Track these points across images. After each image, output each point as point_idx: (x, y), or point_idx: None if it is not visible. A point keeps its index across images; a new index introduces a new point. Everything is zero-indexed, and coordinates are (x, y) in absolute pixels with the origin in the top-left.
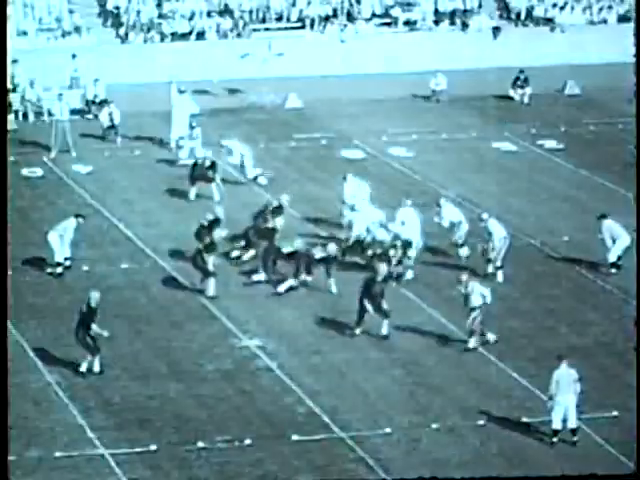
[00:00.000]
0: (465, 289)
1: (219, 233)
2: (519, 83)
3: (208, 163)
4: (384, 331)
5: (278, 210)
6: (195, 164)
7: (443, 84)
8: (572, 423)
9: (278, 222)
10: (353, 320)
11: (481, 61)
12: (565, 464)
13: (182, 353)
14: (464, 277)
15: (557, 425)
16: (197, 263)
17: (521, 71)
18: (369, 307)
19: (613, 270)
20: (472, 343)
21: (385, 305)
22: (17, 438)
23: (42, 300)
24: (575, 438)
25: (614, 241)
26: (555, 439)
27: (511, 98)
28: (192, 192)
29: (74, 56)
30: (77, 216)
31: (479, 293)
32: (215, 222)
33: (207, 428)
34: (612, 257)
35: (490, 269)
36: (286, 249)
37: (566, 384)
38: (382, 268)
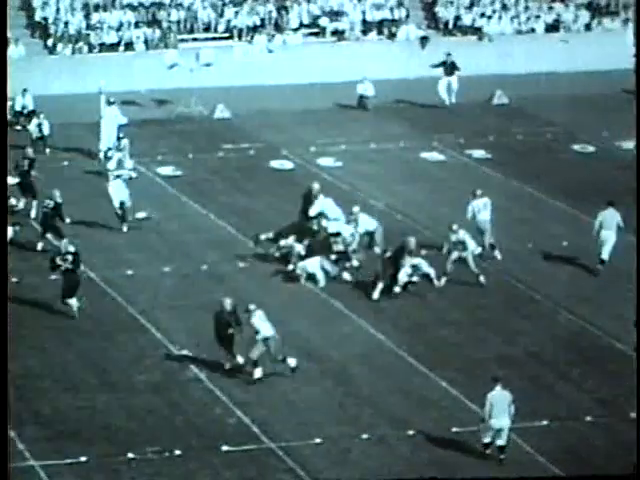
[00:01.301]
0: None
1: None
2: (446, 68)
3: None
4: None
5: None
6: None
7: (370, 90)
8: (502, 442)
9: None
10: (282, 331)
11: (409, 71)
12: (495, 474)
13: (112, 364)
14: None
15: (487, 440)
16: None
17: (448, 54)
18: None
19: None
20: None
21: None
22: None
23: None
24: (502, 456)
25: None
26: (489, 450)
27: (439, 107)
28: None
29: None
30: (14, 224)
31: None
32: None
33: (137, 439)
34: (604, 254)
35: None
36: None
37: (501, 408)
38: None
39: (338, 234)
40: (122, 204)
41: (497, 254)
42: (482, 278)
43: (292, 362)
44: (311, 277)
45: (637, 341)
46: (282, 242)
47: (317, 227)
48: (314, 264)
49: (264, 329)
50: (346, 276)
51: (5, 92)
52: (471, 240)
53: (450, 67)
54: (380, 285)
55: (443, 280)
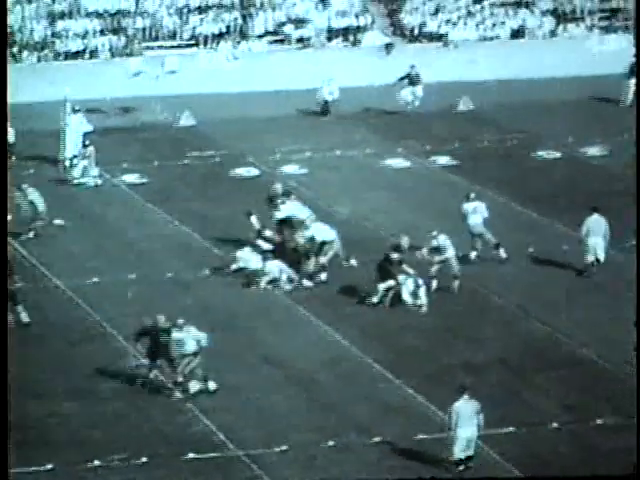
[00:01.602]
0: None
1: None
2: (411, 79)
3: None
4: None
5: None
6: None
7: (336, 93)
8: (470, 452)
9: None
10: (247, 338)
11: (374, 78)
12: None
13: (78, 372)
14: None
15: (459, 456)
16: None
17: (411, 67)
18: None
19: (586, 273)
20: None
21: None
22: None
23: None
24: (470, 464)
25: (587, 237)
26: (461, 467)
27: (403, 114)
28: None
29: None
30: None
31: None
32: None
33: (103, 446)
34: (589, 258)
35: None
36: None
37: (467, 417)
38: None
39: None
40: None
41: (502, 253)
42: (456, 284)
43: (212, 385)
44: (272, 281)
45: (637, 341)
46: (238, 253)
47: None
48: (274, 268)
49: (189, 345)
50: (306, 283)
51: (5, 93)
52: (451, 245)
53: (414, 78)
54: (382, 286)
55: (435, 283)
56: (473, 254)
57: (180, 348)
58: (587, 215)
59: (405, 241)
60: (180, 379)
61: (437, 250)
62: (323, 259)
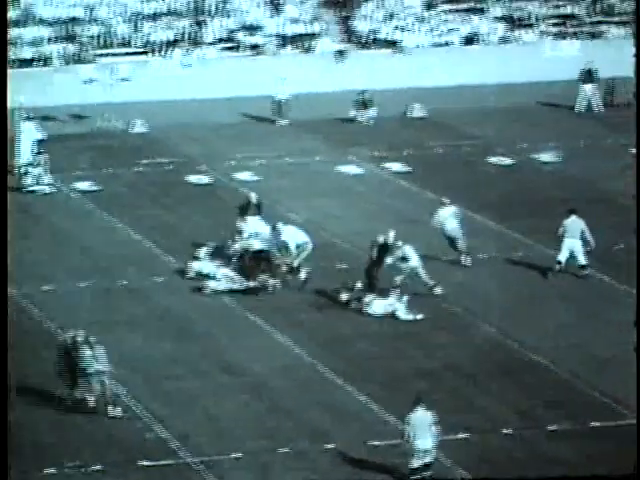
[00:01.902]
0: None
1: None
2: (361, 104)
3: None
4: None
5: None
6: None
7: (287, 94)
8: (428, 459)
9: None
10: (201, 345)
11: (325, 85)
12: None
13: (32, 380)
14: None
15: (417, 465)
16: None
17: (362, 92)
18: None
19: (557, 267)
20: None
21: None
22: None
23: None
24: (429, 473)
25: (563, 237)
26: (418, 476)
27: (354, 121)
28: None
29: None
30: None
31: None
32: None
33: (57, 454)
34: (561, 256)
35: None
36: None
37: (423, 428)
38: None
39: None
40: None
41: (468, 261)
42: (438, 290)
43: (117, 411)
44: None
45: (637, 341)
46: (195, 262)
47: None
48: (224, 275)
49: (100, 363)
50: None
51: (5, 93)
52: (415, 254)
53: (366, 102)
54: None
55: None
56: (463, 258)
57: (89, 365)
58: (569, 217)
59: (391, 236)
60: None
61: (403, 260)
62: (295, 261)
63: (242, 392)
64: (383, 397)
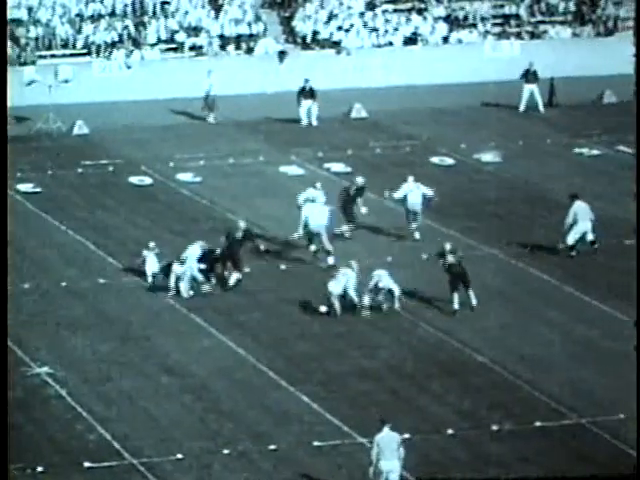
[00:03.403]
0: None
1: None
2: (306, 93)
3: None
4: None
5: None
6: None
7: (216, 86)
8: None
9: None
10: (142, 346)
11: (267, 85)
12: None
13: None
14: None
15: None
16: None
17: (307, 80)
18: None
19: (572, 253)
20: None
21: None
22: None
23: None
24: None
25: (576, 223)
26: None
27: (297, 121)
28: None
29: None
30: None
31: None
32: None
33: None
34: (570, 240)
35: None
36: None
37: (389, 450)
38: None
39: None
40: None
41: (417, 235)
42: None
43: None
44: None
45: (637, 341)
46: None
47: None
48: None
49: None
50: (205, 288)
51: (5, 93)
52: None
53: (309, 92)
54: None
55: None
56: (413, 226)
57: None
58: (574, 202)
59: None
60: None
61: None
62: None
63: (184, 393)
64: (324, 398)
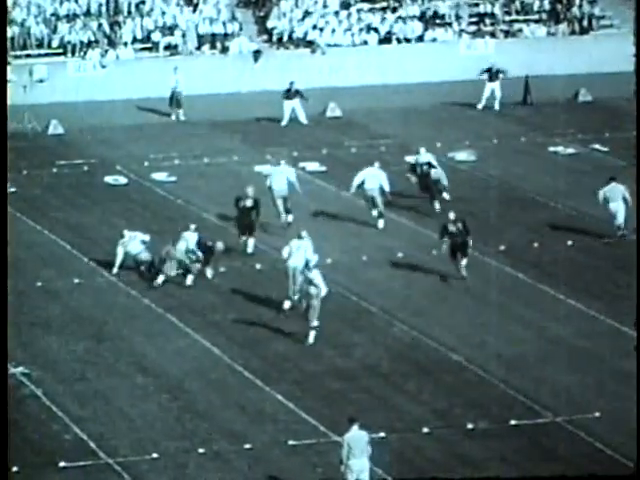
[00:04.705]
0: None
1: None
2: (292, 94)
3: None
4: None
5: None
6: None
7: (182, 83)
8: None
9: None
10: (118, 346)
11: (242, 84)
12: None
13: None
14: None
15: None
16: None
17: (292, 82)
18: None
19: (624, 232)
20: None
21: None
22: None
23: None
24: None
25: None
26: None
27: (272, 120)
28: None
29: None
30: None
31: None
32: None
33: None
34: (619, 219)
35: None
36: None
37: (359, 449)
38: None
39: None
40: None
41: (380, 224)
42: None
43: None
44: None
45: (637, 341)
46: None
47: None
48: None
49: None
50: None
51: (5, 93)
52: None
53: (295, 93)
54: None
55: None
56: (374, 213)
57: None
58: (609, 183)
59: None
60: None
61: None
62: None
63: (158, 393)
64: (299, 397)
